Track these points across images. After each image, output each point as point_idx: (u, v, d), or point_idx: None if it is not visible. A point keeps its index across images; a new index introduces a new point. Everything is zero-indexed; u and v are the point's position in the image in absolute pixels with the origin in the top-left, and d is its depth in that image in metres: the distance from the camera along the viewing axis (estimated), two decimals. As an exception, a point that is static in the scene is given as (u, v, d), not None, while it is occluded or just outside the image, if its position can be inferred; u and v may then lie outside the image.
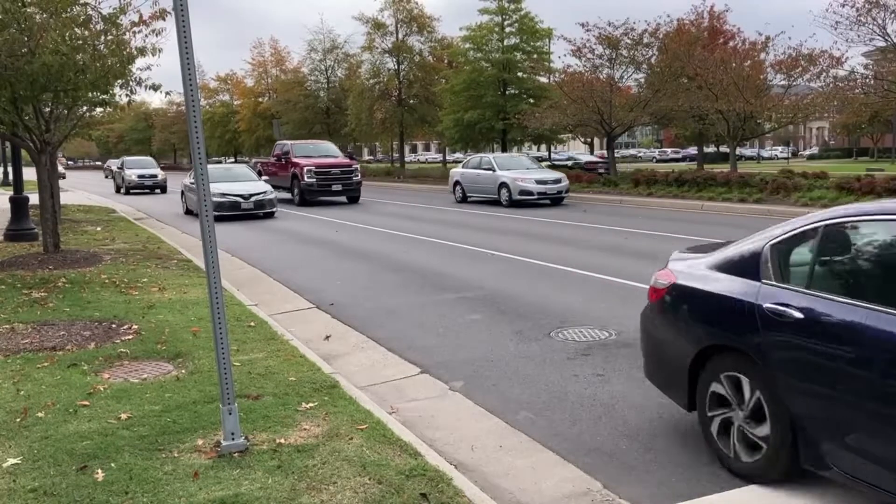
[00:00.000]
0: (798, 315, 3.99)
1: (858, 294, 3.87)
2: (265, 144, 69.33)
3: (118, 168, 40.77)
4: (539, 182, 24.65)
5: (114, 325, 7.87)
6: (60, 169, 67.03)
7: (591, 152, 50.45)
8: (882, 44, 22.91)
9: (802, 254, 4.31)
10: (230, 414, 4.56)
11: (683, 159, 68.68)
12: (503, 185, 24.75)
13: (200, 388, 5.76)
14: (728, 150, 32.43)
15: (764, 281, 4.31)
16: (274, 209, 22.21)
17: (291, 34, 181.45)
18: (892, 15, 22.02)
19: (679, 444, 4.99)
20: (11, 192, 16.12)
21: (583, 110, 31.08)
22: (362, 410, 5.29)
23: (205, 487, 4.09)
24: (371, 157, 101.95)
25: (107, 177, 56.24)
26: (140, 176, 37.96)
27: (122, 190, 37.90)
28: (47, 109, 12.39)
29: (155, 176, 38.73)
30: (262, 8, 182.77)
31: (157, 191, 38.22)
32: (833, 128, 72.82)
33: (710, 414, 4.61)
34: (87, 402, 5.44)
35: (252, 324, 7.97)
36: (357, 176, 27.02)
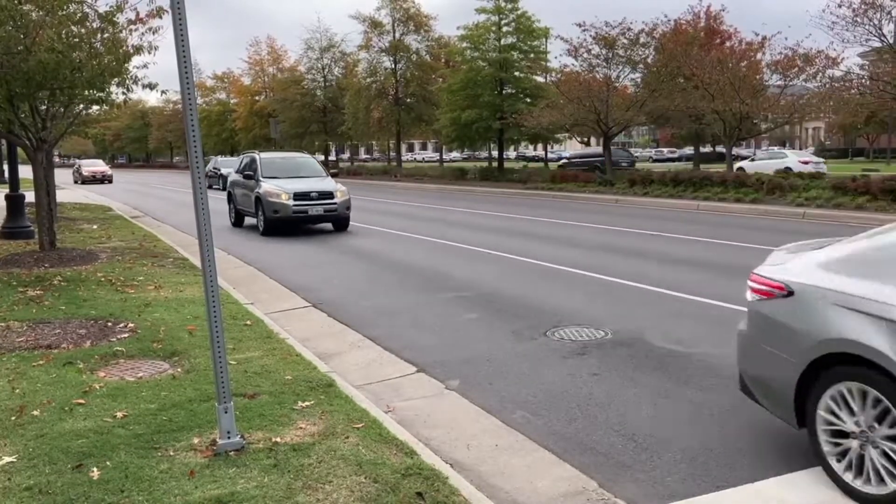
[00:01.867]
0: None
1: None
2: (261, 143, 69.38)
3: (246, 175, 18.64)
4: None
5: (110, 324, 7.86)
6: (106, 170, 50.92)
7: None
8: (878, 44, 22.95)
9: None
10: (226, 412, 4.56)
11: (679, 159, 68.80)
12: None
13: (196, 386, 5.76)
14: (724, 150, 32.48)
15: None
16: None
17: (296, 33, 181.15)
18: (888, 16, 22.08)
19: (674, 443, 5.00)
20: (7, 190, 16.09)
21: (579, 110, 31.12)
22: (358, 409, 5.30)
23: (200, 486, 4.09)
24: (367, 157, 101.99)
25: (212, 186, 34.99)
26: (300, 196, 16.99)
27: (261, 225, 17.41)
28: (43, 107, 12.36)
29: (330, 195, 17.34)
30: (266, 8, 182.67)
31: (331, 226, 18.23)
32: (829, 128, 72.93)
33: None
34: (82, 401, 5.43)
35: (248, 322, 7.97)
36: None
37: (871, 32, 22.25)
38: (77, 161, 49.92)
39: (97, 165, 52.79)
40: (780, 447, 4.88)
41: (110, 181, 48.24)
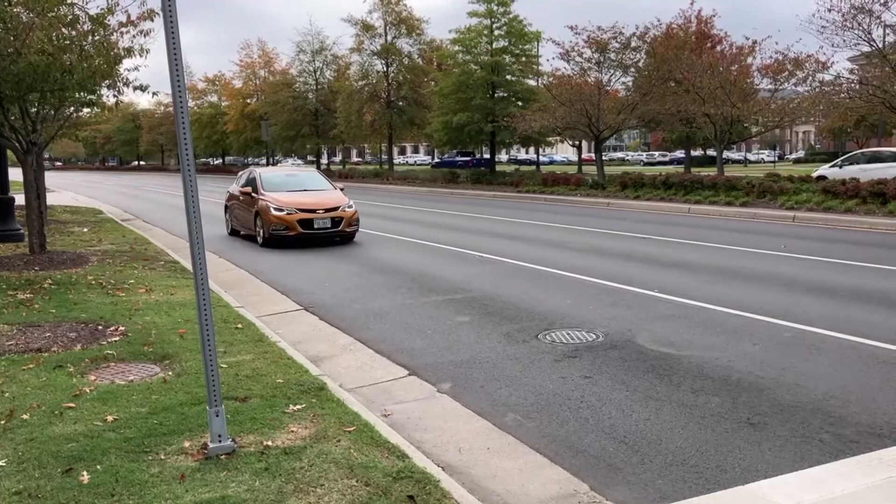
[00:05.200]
0: None
1: None
2: (252, 146, 69.34)
3: None
4: None
5: (100, 327, 7.82)
6: (337, 201, 13.84)
7: (579, 155, 50.39)
8: (867, 49, 23.08)
9: None
10: (217, 416, 4.55)
11: (671, 162, 68.98)
12: None
13: (187, 389, 5.74)
14: (715, 154, 32.60)
15: None
16: None
17: (290, 36, 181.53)
18: (878, 20, 22.22)
19: (666, 445, 5.02)
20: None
21: (571, 113, 31.19)
22: (350, 412, 5.29)
23: (191, 490, 4.08)
24: (359, 159, 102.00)
25: None
26: None
27: None
28: (34, 110, 12.31)
29: None
30: (269, 9, 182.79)
31: None
32: (819, 132, 73.27)
33: None
34: (72, 404, 5.41)
35: (239, 325, 7.94)
36: None
37: (860, 37, 22.39)
38: (251, 171, 18.05)
39: (314, 193, 16.75)
40: (772, 448, 4.90)
41: (350, 236, 16.16)
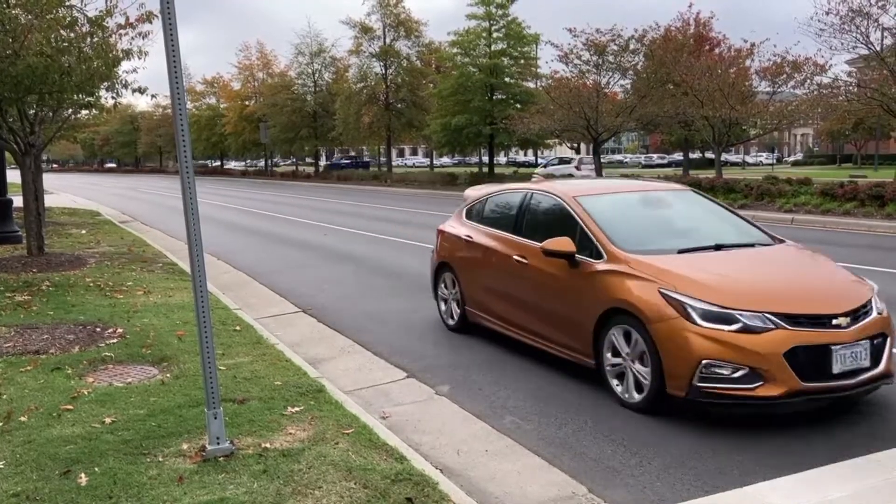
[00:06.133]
0: None
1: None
2: (251, 147, 69.43)
3: None
4: None
5: (98, 329, 7.82)
6: None
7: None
8: (865, 52, 23.12)
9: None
10: (215, 418, 4.54)
11: (669, 165, 69.14)
12: None
13: (185, 392, 5.74)
14: (713, 156, 32.64)
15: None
16: None
17: (289, 38, 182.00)
18: (875, 23, 22.25)
19: (664, 448, 5.01)
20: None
21: (569, 115, 31.21)
22: (348, 415, 5.29)
23: (189, 492, 4.07)
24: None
25: None
26: None
27: None
28: (32, 111, 12.32)
29: None
30: (268, 11, 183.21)
31: None
32: (817, 134, 73.43)
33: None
34: (70, 406, 5.40)
35: (238, 328, 7.94)
36: None
37: (858, 40, 22.41)
38: (540, 198, 7.24)
39: (762, 258, 6.64)
40: (770, 451, 4.90)
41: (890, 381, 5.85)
